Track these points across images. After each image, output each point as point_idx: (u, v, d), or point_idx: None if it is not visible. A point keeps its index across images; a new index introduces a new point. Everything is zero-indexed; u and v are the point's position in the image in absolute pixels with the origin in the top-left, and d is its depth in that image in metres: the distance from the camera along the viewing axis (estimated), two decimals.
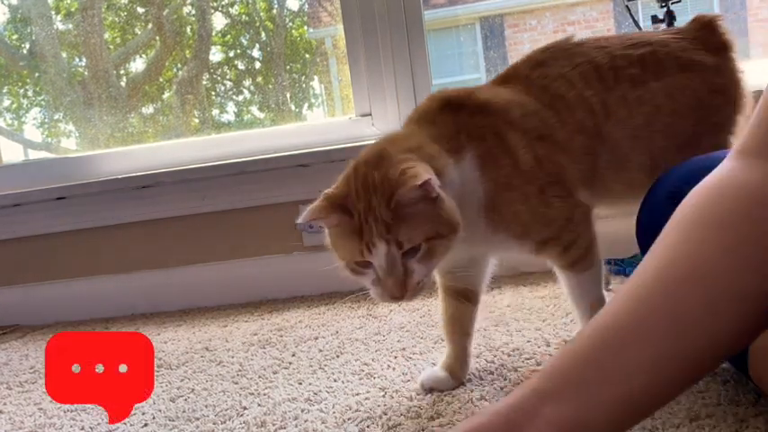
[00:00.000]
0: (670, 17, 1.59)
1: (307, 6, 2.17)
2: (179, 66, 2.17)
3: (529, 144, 0.91)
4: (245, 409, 1.00)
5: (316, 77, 2.14)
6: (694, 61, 0.98)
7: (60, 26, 2.14)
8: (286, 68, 2.12)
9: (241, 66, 2.21)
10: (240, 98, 2.21)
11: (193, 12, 2.12)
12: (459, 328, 0.99)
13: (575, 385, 0.51)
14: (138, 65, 2.19)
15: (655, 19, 1.62)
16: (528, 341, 1.12)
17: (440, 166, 0.83)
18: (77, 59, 2.19)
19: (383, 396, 0.97)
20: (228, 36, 2.17)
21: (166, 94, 2.21)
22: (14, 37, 2.19)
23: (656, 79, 0.97)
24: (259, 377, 1.13)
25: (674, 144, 0.97)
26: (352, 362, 1.14)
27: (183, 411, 1.01)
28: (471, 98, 0.94)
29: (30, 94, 2.26)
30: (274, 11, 2.14)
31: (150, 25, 2.15)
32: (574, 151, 0.94)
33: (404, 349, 1.16)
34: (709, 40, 1.01)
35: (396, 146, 0.85)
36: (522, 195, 0.89)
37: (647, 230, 0.91)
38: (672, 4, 1.58)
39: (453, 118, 0.91)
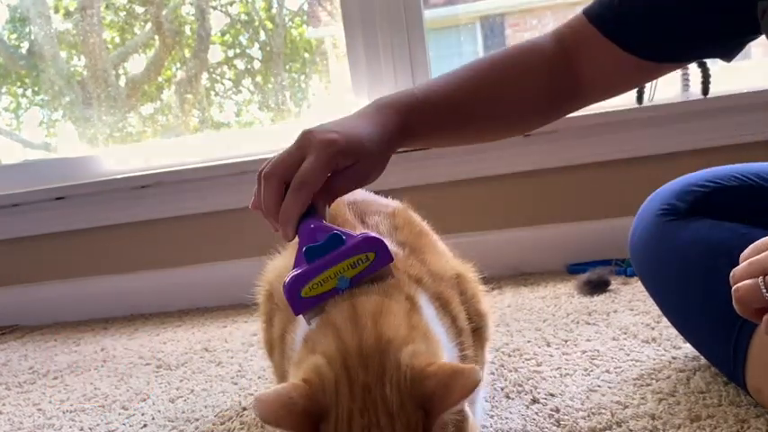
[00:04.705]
0: None
1: (306, 6, 2.16)
2: (178, 65, 2.16)
3: None
4: (244, 409, 0.99)
5: (315, 77, 2.14)
6: None
7: (59, 25, 2.13)
8: (285, 68, 2.11)
9: (240, 65, 2.20)
10: (240, 98, 2.21)
11: (192, 11, 2.11)
12: None
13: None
14: (137, 64, 2.19)
15: None
16: (528, 341, 1.11)
17: None
18: (76, 59, 2.18)
19: None
20: (228, 35, 2.16)
21: (165, 94, 2.21)
22: (13, 36, 2.18)
23: None
24: (258, 378, 1.13)
25: None
26: None
27: (183, 412, 1.01)
28: None
29: (28, 93, 2.25)
30: (274, 10, 2.13)
31: (149, 25, 2.15)
32: None
33: None
34: None
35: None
36: None
37: (640, 244, 0.93)
38: None
39: None
